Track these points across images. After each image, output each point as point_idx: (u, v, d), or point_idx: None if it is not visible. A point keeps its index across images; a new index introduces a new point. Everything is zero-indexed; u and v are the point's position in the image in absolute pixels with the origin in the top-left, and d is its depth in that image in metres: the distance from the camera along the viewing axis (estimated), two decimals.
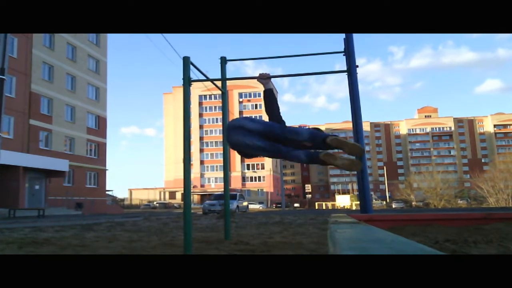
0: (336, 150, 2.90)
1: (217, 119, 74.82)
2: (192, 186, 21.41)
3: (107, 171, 32.87)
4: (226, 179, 5.22)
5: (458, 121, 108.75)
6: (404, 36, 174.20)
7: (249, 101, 76.52)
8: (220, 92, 5.33)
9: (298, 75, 4.75)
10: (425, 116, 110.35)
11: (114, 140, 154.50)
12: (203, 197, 61.35)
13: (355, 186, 65.68)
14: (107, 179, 33.63)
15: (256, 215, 15.66)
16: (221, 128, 5.61)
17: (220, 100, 5.52)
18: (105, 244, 4.83)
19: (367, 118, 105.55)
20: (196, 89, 72.41)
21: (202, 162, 76.33)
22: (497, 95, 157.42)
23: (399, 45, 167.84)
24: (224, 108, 5.24)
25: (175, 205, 62.19)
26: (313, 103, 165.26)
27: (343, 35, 4.78)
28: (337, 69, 5.58)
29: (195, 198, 65.29)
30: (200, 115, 77.40)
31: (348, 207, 46.75)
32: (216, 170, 73.87)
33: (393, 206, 50.91)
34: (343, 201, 51.70)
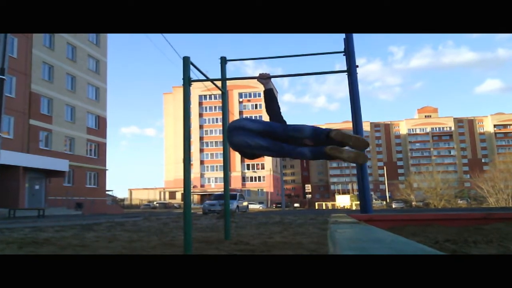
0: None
1: (217, 119, 74.82)
2: (192, 186, 21.42)
3: (107, 171, 32.90)
4: (226, 179, 5.22)
5: (458, 121, 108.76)
6: (404, 36, 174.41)
7: (249, 101, 76.52)
8: (220, 92, 5.33)
9: (298, 75, 4.74)
10: (425, 116, 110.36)
11: (114, 140, 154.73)
12: (203, 197, 61.35)
13: (355, 186, 65.68)
14: (107, 179, 33.69)
15: (256, 215, 15.66)
16: (221, 128, 5.61)
17: (220, 100, 5.52)
18: (105, 244, 4.83)
19: (367, 118, 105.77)
20: (196, 89, 72.42)
21: (202, 162, 76.33)
22: (497, 95, 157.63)
23: (399, 45, 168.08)
24: (224, 108, 5.24)
25: (175, 205, 62.19)
26: (313, 103, 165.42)
27: (343, 35, 4.78)
28: (337, 69, 5.59)
29: (195, 198, 65.29)
30: (200, 115, 77.40)
31: (348, 207, 46.74)
32: (216, 170, 73.87)
33: (393, 206, 50.89)
34: (343, 201, 51.69)
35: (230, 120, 3.56)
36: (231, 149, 3.40)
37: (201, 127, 77.17)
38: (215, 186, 71.71)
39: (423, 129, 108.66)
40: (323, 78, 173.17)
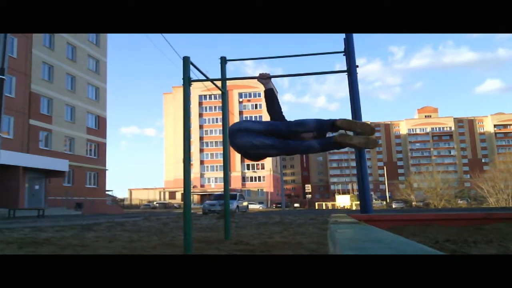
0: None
1: (217, 119, 74.82)
2: (192, 186, 21.42)
3: (107, 171, 32.91)
4: (226, 179, 5.21)
5: (458, 121, 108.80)
6: (404, 36, 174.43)
7: (249, 101, 76.51)
8: (220, 92, 5.32)
9: (298, 75, 4.74)
10: (425, 116, 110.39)
11: (114, 140, 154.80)
12: (203, 197, 61.35)
13: (355, 186, 65.70)
14: (107, 179, 33.71)
15: (256, 215, 15.66)
16: (221, 128, 5.61)
17: (220, 100, 5.52)
18: (105, 244, 4.83)
19: (367, 118, 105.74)
20: (196, 89, 72.43)
21: (202, 162, 76.34)
22: (497, 95, 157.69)
23: (399, 45, 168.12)
24: (224, 108, 5.24)
25: (175, 205, 62.19)
26: (313, 103, 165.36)
27: (343, 35, 4.78)
28: (337, 69, 5.58)
29: (195, 198, 65.29)
30: (200, 115, 77.40)
31: (348, 207, 46.74)
32: (216, 170, 73.87)
33: (393, 206, 50.89)
34: (343, 201, 51.69)
35: (230, 120, 3.56)
36: (231, 149, 3.39)
37: (201, 127, 77.17)
38: (215, 186, 71.71)
39: (423, 129, 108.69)
40: (323, 78, 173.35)
